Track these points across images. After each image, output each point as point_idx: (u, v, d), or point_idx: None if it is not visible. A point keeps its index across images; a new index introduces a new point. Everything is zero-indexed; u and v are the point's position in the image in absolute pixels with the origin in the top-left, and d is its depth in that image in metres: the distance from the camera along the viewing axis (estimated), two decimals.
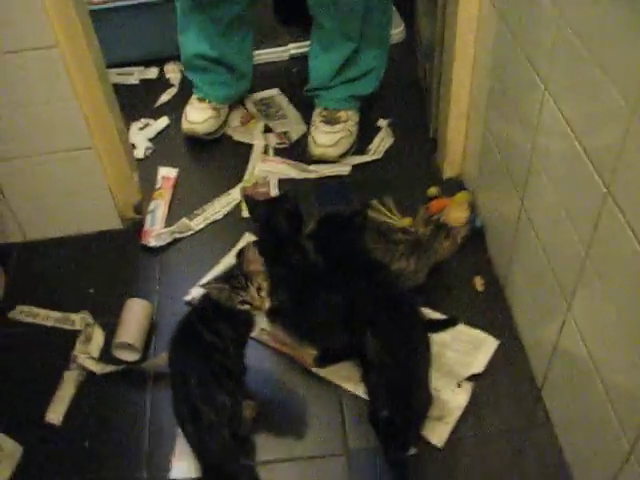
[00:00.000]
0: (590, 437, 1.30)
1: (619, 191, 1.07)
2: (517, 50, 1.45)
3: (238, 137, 2.27)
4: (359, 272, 1.53)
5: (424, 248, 1.71)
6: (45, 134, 1.76)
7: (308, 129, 2.21)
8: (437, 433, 1.47)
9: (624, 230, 1.06)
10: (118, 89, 2.04)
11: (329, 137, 2.11)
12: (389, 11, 2.11)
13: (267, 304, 1.40)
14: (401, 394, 1.40)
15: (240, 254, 1.46)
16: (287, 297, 1.54)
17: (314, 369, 1.61)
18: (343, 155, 2.14)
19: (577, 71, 1.17)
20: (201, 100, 2.23)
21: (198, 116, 2.21)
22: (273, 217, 1.62)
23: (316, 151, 2.12)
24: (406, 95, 2.38)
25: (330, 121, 2.14)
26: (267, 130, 2.29)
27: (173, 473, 1.47)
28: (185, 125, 2.22)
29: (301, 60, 2.42)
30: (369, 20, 2.01)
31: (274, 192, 2.06)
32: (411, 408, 1.41)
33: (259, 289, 1.40)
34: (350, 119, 2.17)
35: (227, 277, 1.42)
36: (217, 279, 1.46)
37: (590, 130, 1.17)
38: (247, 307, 1.39)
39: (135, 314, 1.70)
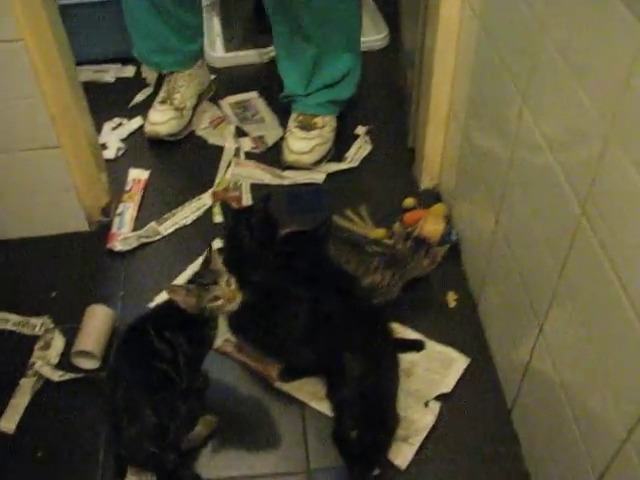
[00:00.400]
0: (557, 463, 1.27)
1: (594, 213, 1.04)
2: (496, 60, 1.41)
3: (212, 140, 2.22)
4: (326, 285, 1.48)
5: (401, 264, 1.66)
6: (8, 131, 1.70)
7: (284, 134, 2.16)
8: (401, 454, 1.42)
9: (597, 254, 1.02)
10: (93, 87, 2.01)
11: (304, 143, 2.06)
12: (354, 12, 2.02)
13: (239, 297, 1.36)
14: (373, 413, 1.36)
15: (206, 256, 1.41)
16: (250, 312, 1.49)
17: (278, 384, 1.57)
18: (318, 162, 2.09)
19: (556, 85, 1.14)
20: (162, 102, 2.19)
21: (160, 117, 2.17)
22: (240, 229, 1.57)
23: (289, 157, 2.07)
24: (387, 102, 2.34)
25: (306, 127, 2.09)
26: (242, 134, 2.24)
27: None
28: (147, 127, 2.19)
29: None
30: (329, 22, 1.95)
31: (246, 197, 2.01)
32: (383, 428, 1.37)
33: (228, 282, 1.35)
34: (327, 125, 2.12)
35: (193, 279, 1.39)
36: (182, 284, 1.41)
37: (567, 148, 1.13)
38: (220, 303, 1.34)
39: (96, 321, 1.65)
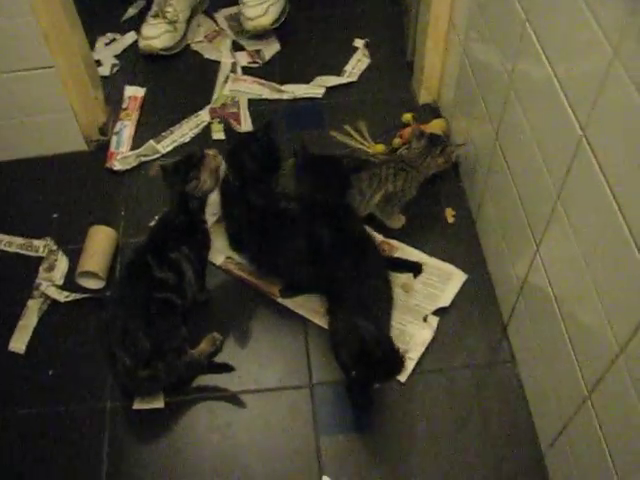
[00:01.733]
0: (550, 376, 1.31)
1: (594, 133, 1.03)
2: None
3: (207, 54, 2.18)
4: (324, 211, 1.49)
5: (414, 164, 1.66)
6: (2, 51, 1.67)
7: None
8: None
9: (596, 175, 1.02)
10: (82, 0, 1.93)
11: (258, 8, 2.11)
12: None
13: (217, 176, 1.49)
14: (368, 348, 1.32)
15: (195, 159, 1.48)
16: (250, 232, 1.51)
17: (280, 300, 1.60)
18: (276, 21, 2.16)
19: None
20: (155, 16, 2.15)
21: (153, 31, 2.13)
22: (242, 153, 1.56)
23: (249, 25, 2.13)
24: (387, 14, 2.28)
25: None
26: (238, 48, 2.20)
27: (136, 403, 1.47)
28: (141, 42, 2.16)
29: None
30: None
31: (244, 113, 1.99)
32: (378, 360, 1.34)
33: (214, 170, 1.48)
34: None
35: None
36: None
37: (570, 65, 1.11)
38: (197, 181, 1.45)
39: (99, 241, 1.67)
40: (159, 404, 1.46)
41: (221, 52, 2.18)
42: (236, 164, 1.57)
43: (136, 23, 2.25)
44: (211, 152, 1.50)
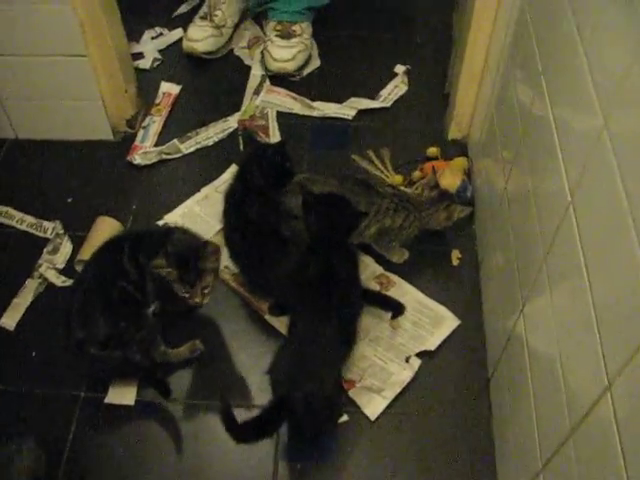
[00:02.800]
0: (515, 441, 1.27)
1: (580, 204, 1.00)
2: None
3: (247, 61, 2.19)
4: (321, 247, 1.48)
5: (418, 208, 1.64)
6: (39, 36, 1.71)
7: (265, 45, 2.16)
8: (372, 405, 1.45)
9: (576, 245, 0.99)
10: None
11: (286, 51, 2.09)
12: None
13: (205, 301, 1.42)
14: (305, 376, 1.33)
15: (202, 246, 1.41)
16: (243, 246, 1.51)
17: (267, 317, 1.59)
18: (300, 68, 2.14)
19: None
20: (203, 18, 2.16)
21: (198, 34, 2.14)
22: (252, 164, 1.56)
23: (273, 66, 2.10)
24: (434, 41, 2.24)
25: (285, 35, 2.11)
26: None
27: (108, 397, 1.49)
28: (185, 43, 2.17)
29: None
30: None
31: (272, 125, 1.99)
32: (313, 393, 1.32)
33: (205, 288, 1.40)
34: (304, 32, 2.14)
35: (181, 257, 1.38)
36: (171, 253, 1.39)
37: (569, 127, 1.08)
38: (185, 296, 1.40)
39: (103, 232, 1.68)
40: (130, 401, 1.48)
41: (253, 60, 2.18)
42: (244, 174, 1.57)
43: (186, 21, 2.27)
44: (212, 247, 1.41)
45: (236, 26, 2.24)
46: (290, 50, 2.09)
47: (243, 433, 1.30)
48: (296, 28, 2.13)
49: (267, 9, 2.16)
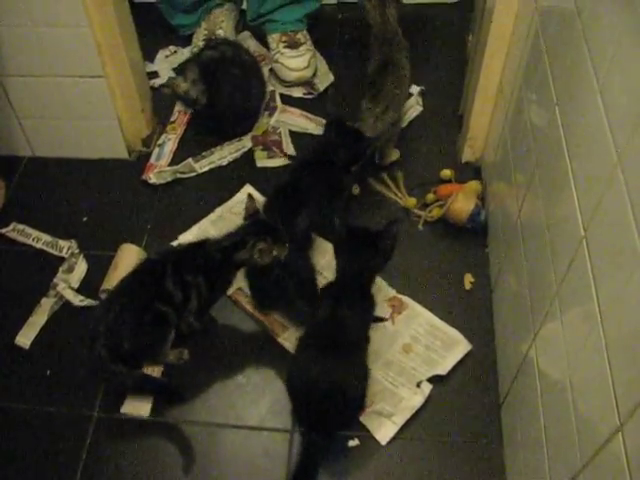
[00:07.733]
0: (528, 469, 1.27)
1: (593, 239, 1.00)
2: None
3: None
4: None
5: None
6: (57, 57, 1.74)
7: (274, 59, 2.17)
8: (383, 429, 1.45)
9: (588, 280, 0.99)
10: (154, 9, 1.96)
11: (300, 60, 2.11)
12: None
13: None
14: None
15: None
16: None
17: (280, 340, 1.60)
18: (315, 75, 2.16)
19: None
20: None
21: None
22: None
23: (292, 76, 2.11)
24: (449, 62, 2.24)
25: (293, 45, 2.13)
26: None
27: (124, 407, 1.51)
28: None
29: (350, 5, 2.33)
30: None
31: (286, 141, 2.00)
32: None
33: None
34: (307, 39, 2.17)
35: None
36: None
37: (585, 159, 1.08)
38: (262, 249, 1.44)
39: (128, 260, 1.66)
40: (145, 412, 1.50)
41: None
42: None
43: None
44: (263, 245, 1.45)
45: None
46: (303, 58, 2.12)
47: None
48: (300, 36, 2.15)
49: (265, 23, 2.18)
